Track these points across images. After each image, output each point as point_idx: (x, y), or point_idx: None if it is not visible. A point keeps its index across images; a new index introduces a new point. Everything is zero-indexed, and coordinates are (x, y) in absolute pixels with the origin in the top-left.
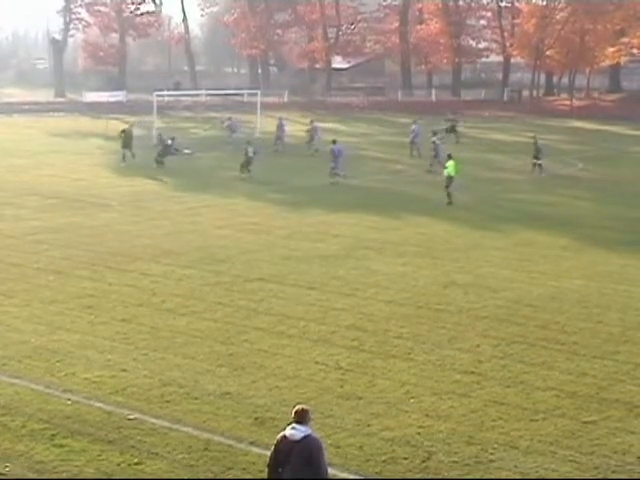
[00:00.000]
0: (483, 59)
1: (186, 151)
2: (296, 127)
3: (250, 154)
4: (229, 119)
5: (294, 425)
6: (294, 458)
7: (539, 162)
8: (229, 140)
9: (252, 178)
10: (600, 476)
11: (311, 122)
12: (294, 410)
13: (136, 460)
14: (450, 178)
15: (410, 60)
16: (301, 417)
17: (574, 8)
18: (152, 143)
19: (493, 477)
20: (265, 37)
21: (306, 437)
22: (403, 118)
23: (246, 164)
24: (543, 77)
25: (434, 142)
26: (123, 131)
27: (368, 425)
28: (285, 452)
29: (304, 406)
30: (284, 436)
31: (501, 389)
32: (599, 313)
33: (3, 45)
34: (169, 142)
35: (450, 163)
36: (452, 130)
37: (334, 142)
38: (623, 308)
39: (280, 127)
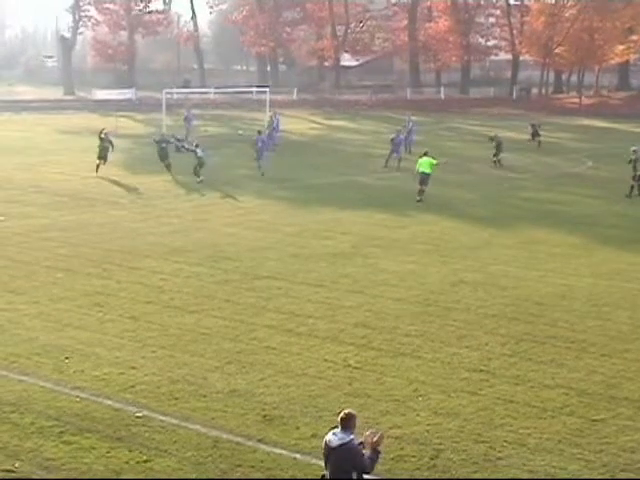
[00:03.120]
0: (492, 57)
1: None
2: (306, 125)
3: (200, 154)
4: (188, 110)
5: (335, 430)
6: (331, 464)
7: (496, 159)
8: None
9: (204, 182)
10: (609, 474)
11: (272, 115)
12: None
13: (145, 457)
14: (424, 175)
15: (419, 58)
16: (343, 422)
17: (583, 6)
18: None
19: (501, 475)
20: (274, 35)
21: (342, 445)
22: (412, 116)
23: (199, 166)
24: (552, 75)
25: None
26: (101, 139)
27: (377, 423)
28: (326, 455)
29: (348, 411)
30: (325, 440)
31: (510, 387)
32: (608, 311)
33: (12, 43)
34: (171, 141)
35: (424, 160)
36: (536, 135)
37: (259, 133)
38: (632, 306)
39: (272, 124)
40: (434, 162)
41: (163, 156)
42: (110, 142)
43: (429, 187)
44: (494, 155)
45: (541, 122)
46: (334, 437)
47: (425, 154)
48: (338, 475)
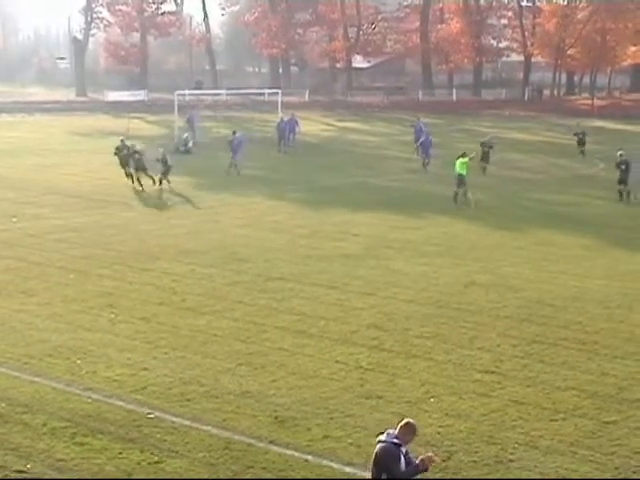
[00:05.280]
0: (504, 58)
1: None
2: (318, 127)
3: (168, 161)
4: (191, 112)
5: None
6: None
7: (484, 165)
8: (192, 140)
9: (172, 187)
10: (621, 476)
11: (281, 119)
12: None
13: (156, 459)
14: (460, 176)
15: (431, 59)
16: (399, 428)
17: (595, 7)
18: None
19: (513, 477)
20: (286, 36)
21: (380, 442)
22: (424, 118)
23: (166, 172)
24: (564, 76)
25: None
26: (117, 149)
27: (388, 424)
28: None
29: (408, 420)
30: None
31: (521, 389)
32: (620, 313)
33: (25, 44)
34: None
35: (459, 161)
36: (581, 143)
37: (234, 133)
38: None
39: (289, 124)
40: (464, 161)
41: (140, 166)
42: (127, 148)
43: (465, 188)
44: (481, 159)
45: (584, 129)
46: (382, 435)
47: (462, 155)
48: (373, 469)
